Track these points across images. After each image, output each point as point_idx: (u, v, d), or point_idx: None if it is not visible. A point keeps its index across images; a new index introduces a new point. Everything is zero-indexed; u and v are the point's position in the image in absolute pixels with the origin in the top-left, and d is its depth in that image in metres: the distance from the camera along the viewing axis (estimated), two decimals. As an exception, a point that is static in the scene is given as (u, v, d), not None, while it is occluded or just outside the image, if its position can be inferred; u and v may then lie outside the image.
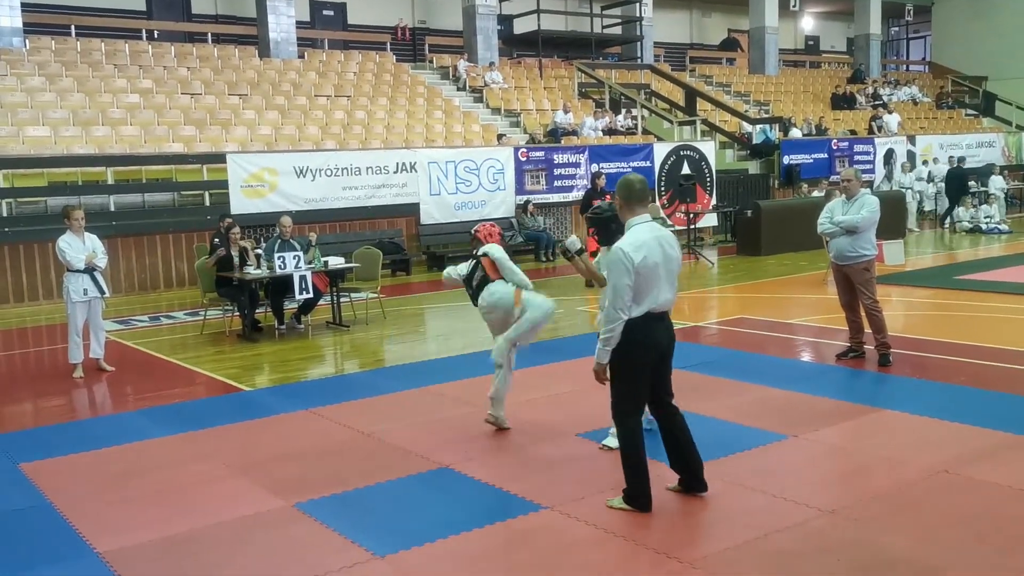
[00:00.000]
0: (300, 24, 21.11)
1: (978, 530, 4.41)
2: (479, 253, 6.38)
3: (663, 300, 4.68)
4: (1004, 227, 18.74)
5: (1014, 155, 25.62)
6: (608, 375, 4.79)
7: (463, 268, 6.53)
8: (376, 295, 11.21)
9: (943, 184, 20.42)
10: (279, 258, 10.04)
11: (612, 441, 5.80)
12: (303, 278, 10.02)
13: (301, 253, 10.24)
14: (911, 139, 23.53)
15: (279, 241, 10.57)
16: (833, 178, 20.34)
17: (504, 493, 5.13)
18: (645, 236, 4.67)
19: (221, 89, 17.46)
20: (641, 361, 4.72)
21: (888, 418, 6.30)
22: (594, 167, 17.61)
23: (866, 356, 7.93)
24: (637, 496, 4.79)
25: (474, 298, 6.41)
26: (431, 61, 22.57)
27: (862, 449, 5.70)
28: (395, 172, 16.02)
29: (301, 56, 20.18)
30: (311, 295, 10.18)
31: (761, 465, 5.56)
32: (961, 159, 21.01)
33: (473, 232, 6.60)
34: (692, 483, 4.93)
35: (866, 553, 4.22)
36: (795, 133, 22.31)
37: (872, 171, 22.37)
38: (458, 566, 4.27)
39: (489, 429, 6.35)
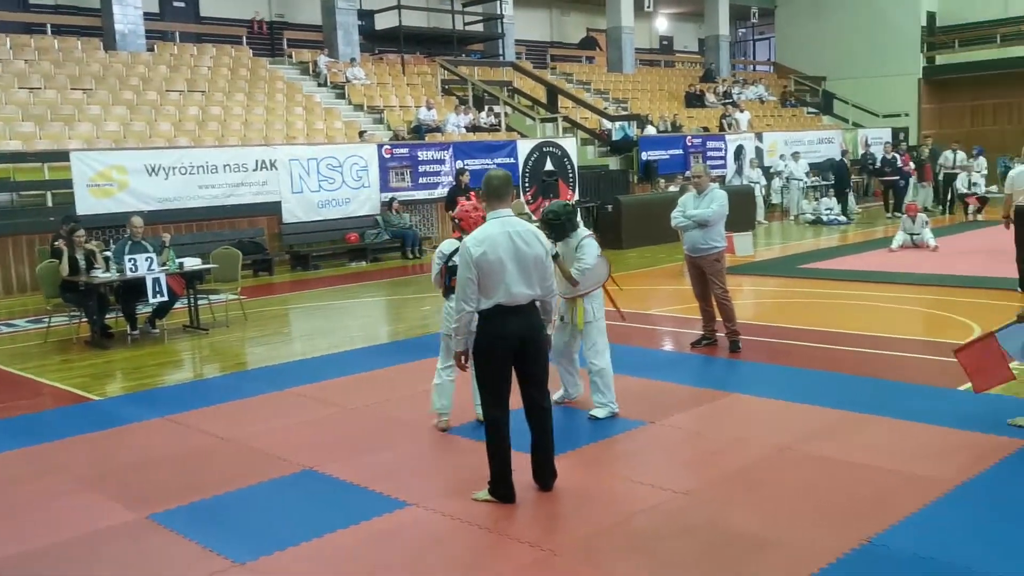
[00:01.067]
0: (148, 16, 20.24)
1: (816, 502, 4.72)
2: None
3: (515, 293, 4.73)
4: (843, 218, 19.91)
5: (852, 151, 27.24)
6: (467, 364, 4.92)
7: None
8: (236, 297, 10.91)
9: (812, 179, 21.73)
10: (130, 260, 9.62)
11: (599, 412, 6.26)
12: (156, 280, 9.65)
13: (154, 255, 9.85)
14: (759, 136, 24.67)
15: (129, 243, 10.13)
16: (687, 174, 21.13)
17: (368, 492, 5.12)
18: (492, 231, 4.75)
19: (63, 83, 16.54)
20: (493, 354, 4.80)
21: (738, 401, 6.63)
22: (459, 164, 17.66)
23: (719, 343, 8.30)
24: (499, 488, 4.87)
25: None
26: (290, 56, 22.07)
27: (714, 432, 5.97)
28: (255, 170, 15.60)
29: (150, 49, 19.35)
30: (166, 298, 9.81)
31: (622, 451, 5.76)
32: (844, 152, 22.35)
33: (458, 220, 5.97)
34: (537, 476, 5.00)
35: (716, 530, 4.44)
36: (650, 130, 23.01)
37: (724, 167, 23.34)
38: (321, 568, 4.24)
39: (352, 430, 6.31)
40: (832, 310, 10.21)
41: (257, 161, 15.66)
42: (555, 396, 6.47)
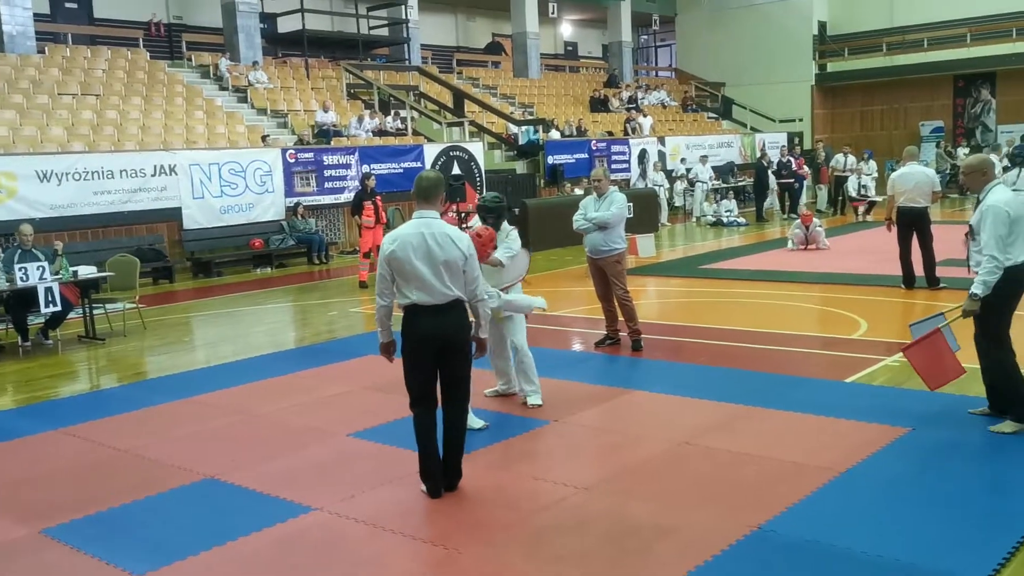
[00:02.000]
0: (39, 17, 19.51)
1: (711, 492, 4.90)
2: None
3: (429, 293, 4.79)
4: (742, 220, 20.55)
5: (749, 154, 28.14)
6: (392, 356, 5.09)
7: None
8: (134, 305, 10.63)
9: (715, 182, 22.37)
10: (20, 269, 9.29)
11: (534, 398, 6.61)
12: (49, 290, 9.34)
13: (46, 264, 9.52)
14: (661, 140, 25.26)
15: (19, 251, 9.77)
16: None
17: (272, 499, 5.08)
18: (407, 230, 4.83)
19: (-54, 86, 15.85)
20: (410, 351, 4.90)
21: (639, 398, 6.81)
22: (365, 168, 17.56)
23: (622, 342, 8.49)
24: (423, 481, 5.00)
25: None
26: (189, 59, 21.57)
27: (615, 428, 6.12)
28: (153, 175, 15.21)
29: (41, 51, 18.66)
30: (59, 308, 9.50)
31: (525, 450, 5.86)
32: (762, 156, 23.07)
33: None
34: (444, 475, 5.05)
35: (615, 522, 4.57)
36: (554, 134, 23.32)
37: (628, 170, 23.82)
38: (222, 574, 4.19)
39: (256, 437, 6.25)
40: (730, 308, 10.54)
41: (156, 166, 15.27)
42: (491, 390, 6.85)
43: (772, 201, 22.00)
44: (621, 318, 8.42)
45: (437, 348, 4.87)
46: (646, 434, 5.93)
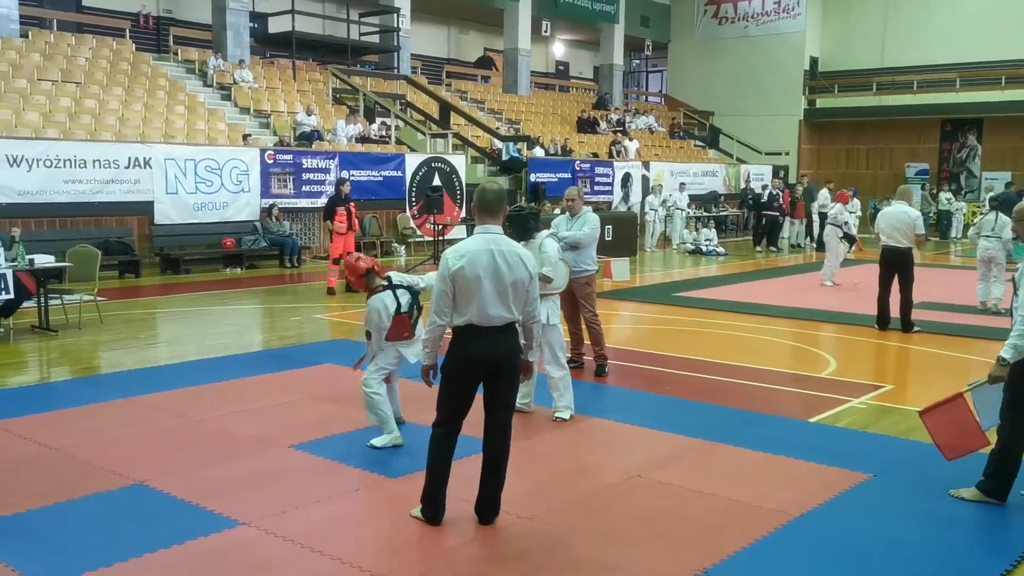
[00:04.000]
0: (26, 1, 19.23)
1: (658, 530, 4.69)
2: None
3: (489, 314, 4.49)
4: (721, 249, 20.45)
5: (733, 184, 28.13)
6: (433, 379, 4.75)
7: None
8: (92, 298, 10.33)
9: (694, 210, 22.37)
10: (-27, 254, 9.00)
11: (564, 414, 6.54)
12: (2, 277, 9.04)
13: (1, 250, 9.23)
14: (646, 165, 25.19)
15: (-25, 235, 9.48)
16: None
17: (200, 509, 4.83)
18: (474, 246, 4.52)
19: (-80, 63, 15.51)
20: (457, 373, 4.58)
21: (596, 425, 6.60)
22: (344, 174, 17.34)
23: (584, 366, 8.29)
24: (428, 507, 4.68)
25: None
26: (176, 53, 21.31)
27: (567, 456, 5.90)
28: (127, 167, 14.90)
29: (24, 35, 18.37)
30: (11, 295, 9.20)
31: (469, 474, 5.60)
32: (764, 186, 23.05)
33: None
34: (477, 508, 4.76)
35: (555, 555, 4.36)
36: (538, 152, 23.18)
37: (611, 193, 23.72)
38: (134, 591, 3.95)
39: (193, 442, 6.00)
40: (700, 338, 10.37)
41: (130, 158, 14.98)
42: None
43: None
44: (587, 342, 8.23)
45: (486, 370, 4.58)
46: (598, 464, 5.72)
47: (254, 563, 4.24)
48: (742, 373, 8.41)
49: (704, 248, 20.27)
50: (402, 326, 5.86)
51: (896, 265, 10.22)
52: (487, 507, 4.71)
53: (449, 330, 4.62)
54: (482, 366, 4.57)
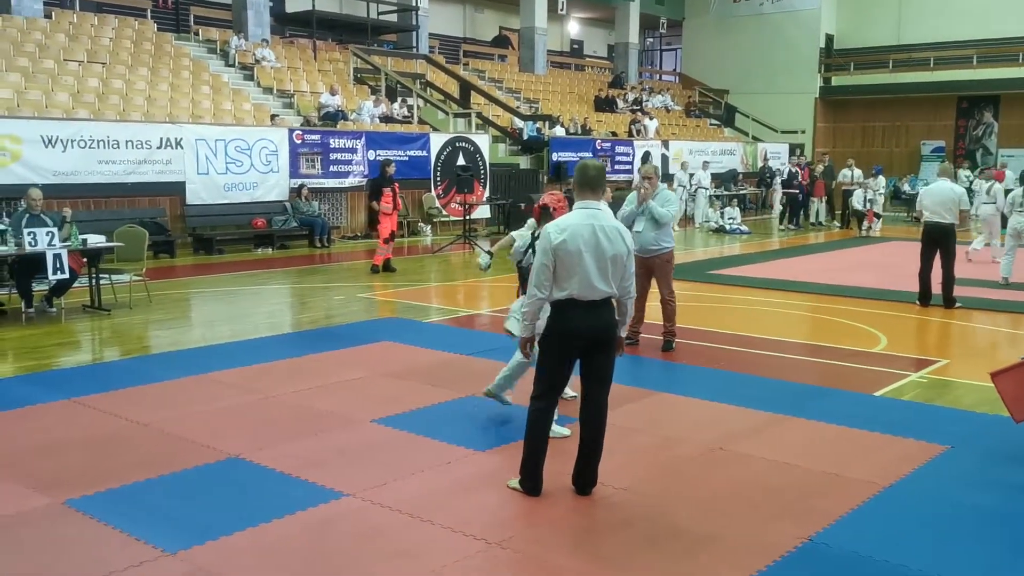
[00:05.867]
0: (47, -20, 19.20)
1: (750, 500, 4.79)
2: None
3: (590, 288, 4.56)
4: (744, 228, 20.51)
5: (751, 163, 28.13)
6: (531, 351, 4.82)
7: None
8: (141, 278, 10.42)
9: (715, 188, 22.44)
10: (29, 234, 9.07)
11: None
12: (57, 257, 9.13)
13: (55, 230, 9.31)
14: (665, 144, 25.18)
15: (27, 216, 9.54)
16: (636, 172, 21.40)
17: (302, 482, 4.94)
18: (576, 221, 4.58)
19: (-50, 45, 15.53)
20: (556, 346, 4.66)
21: (667, 400, 6.70)
22: (382, 154, 17.41)
23: (639, 344, 8.36)
24: (527, 479, 4.77)
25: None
26: (197, 33, 21.29)
27: (646, 429, 5.99)
28: (159, 148, 14.96)
29: (48, 16, 18.36)
30: (66, 276, 9.29)
31: (561, 447, 5.70)
32: (783, 164, 23.13)
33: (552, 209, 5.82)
34: (575, 480, 4.84)
35: (657, 525, 4.45)
36: (559, 131, 23.18)
37: (631, 171, 23.73)
38: (258, 559, 4.05)
39: (276, 418, 6.10)
40: (744, 315, 10.45)
41: (162, 139, 15.03)
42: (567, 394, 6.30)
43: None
44: (645, 320, 8.30)
45: (586, 344, 4.65)
46: (678, 436, 5.82)
47: (367, 530, 4.35)
48: (795, 349, 8.51)
49: (728, 227, 20.31)
50: None
51: (940, 241, 10.29)
52: (586, 479, 4.80)
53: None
54: (582, 339, 4.65)
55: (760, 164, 27.40)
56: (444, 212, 19.24)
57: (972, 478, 5.12)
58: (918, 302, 10.58)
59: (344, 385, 6.99)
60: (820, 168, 23.20)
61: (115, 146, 14.46)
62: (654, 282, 8.27)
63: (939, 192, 10.21)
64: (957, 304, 10.35)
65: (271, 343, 8.55)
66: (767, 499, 4.80)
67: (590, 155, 22.83)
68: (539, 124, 22.79)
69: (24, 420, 6.02)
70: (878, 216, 20.30)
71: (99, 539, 4.20)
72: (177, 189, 15.27)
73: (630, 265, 4.72)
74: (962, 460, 5.39)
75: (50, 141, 13.71)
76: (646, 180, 8.00)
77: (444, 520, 4.46)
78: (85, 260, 9.83)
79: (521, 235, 6.43)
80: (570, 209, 4.90)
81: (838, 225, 22.03)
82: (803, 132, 31.26)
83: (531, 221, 6.37)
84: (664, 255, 8.04)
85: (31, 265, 9.28)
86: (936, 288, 10.44)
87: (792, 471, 5.18)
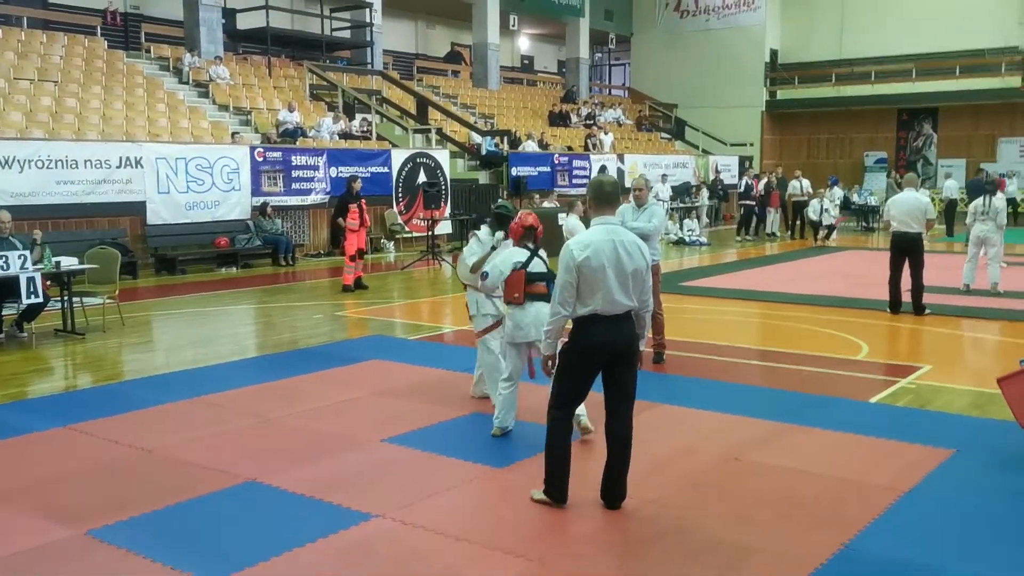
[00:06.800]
0: (-9, -3, 18.73)
1: (778, 509, 4.84)
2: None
3: (613, 302, 4.59)
4: (704, 239, 20.80)
5: (703, 176, 28.56)
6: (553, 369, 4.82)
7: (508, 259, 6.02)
8: (113, 300, 10.17)
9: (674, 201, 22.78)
10: (1, 258, 8.80)
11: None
12: (31, 280, 8.87)
13: (27, 252, 9.05)
14: (621, 158, 25.45)
15: (-5, 239, 9.26)
16: (557, 191, 21.52)
17: (326, 504, 4.86)
18: (596, 237, 4.62)
19: None
20: (577, 360, 4.69)
21: (670, 412, 6.73)
22: (344, 171, 17.32)
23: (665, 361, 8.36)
24: (553, 489, 4.78)
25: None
26: (148, 50, 20.92)
27: (658, 442, 6.00)
28: (118, 167, 14.63)
29: (-6, 33, 17.89)
30: (40, 299, 9.03)
31: (582, 462, 5.70)
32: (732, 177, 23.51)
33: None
34: (604, 494, 4.84)
35: (694, 536, 4.48)
36: (531, 146, 23.25)
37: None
38: (301, 585, 3.98)
39: (282, 440, 6.00)
40: (725, 326, 10.59)
41: (121, 158, 14.72)
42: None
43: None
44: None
45: (608, 358, 4.68)
46: (691, 447, 5.86)
47: (404, 552, 4.30)
48: (782, 358, 8.64)
49: (688, 239, 20.58)
50: (516, 284, 5.88)
51: (908, 250, 10.56)
52: (616, 493, 4.82)
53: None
54: (604, 353, 4.68)
55: (712, 177, 27.86)
56: (407, 228, 19.16)
57: (984, 481, 5.25)
58: (888, 310, 10.83)
59: (342, 406, 6.90)
60: (772, 180, 23.64)
61: (73, 166, 14.12)
62: None
63: (906, 202, 10.49)
64: (927, 311, 10.62)
65: (258, 364, 8.41)
66: (796, 508, 4.85)
67: (548, 169, 22.98)
68: (496, 139, 22.86)
69: (24, 449, 5.82)
70: (831, 228, 20.76)
71: (133, 570, 4.07)
72: (138, 209, 14.96)
73: (648, 278, 4.80)
74: (971, 462, 5.53)
75: (6, 162, 13.34)
76: (636, 192, 8.06)
77: (479, 538, 4.43)
78: (48, 283, 9.55)
79: (472, 251, 6.51)
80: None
81: (790, 236, 22.47)
82: (751, 145, 31.87)
83: (482, 233, 6.55)
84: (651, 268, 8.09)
85: (2, 290, 9.00)
86: (906, 296, 10.71)
87: (813, 480, 5.26)
